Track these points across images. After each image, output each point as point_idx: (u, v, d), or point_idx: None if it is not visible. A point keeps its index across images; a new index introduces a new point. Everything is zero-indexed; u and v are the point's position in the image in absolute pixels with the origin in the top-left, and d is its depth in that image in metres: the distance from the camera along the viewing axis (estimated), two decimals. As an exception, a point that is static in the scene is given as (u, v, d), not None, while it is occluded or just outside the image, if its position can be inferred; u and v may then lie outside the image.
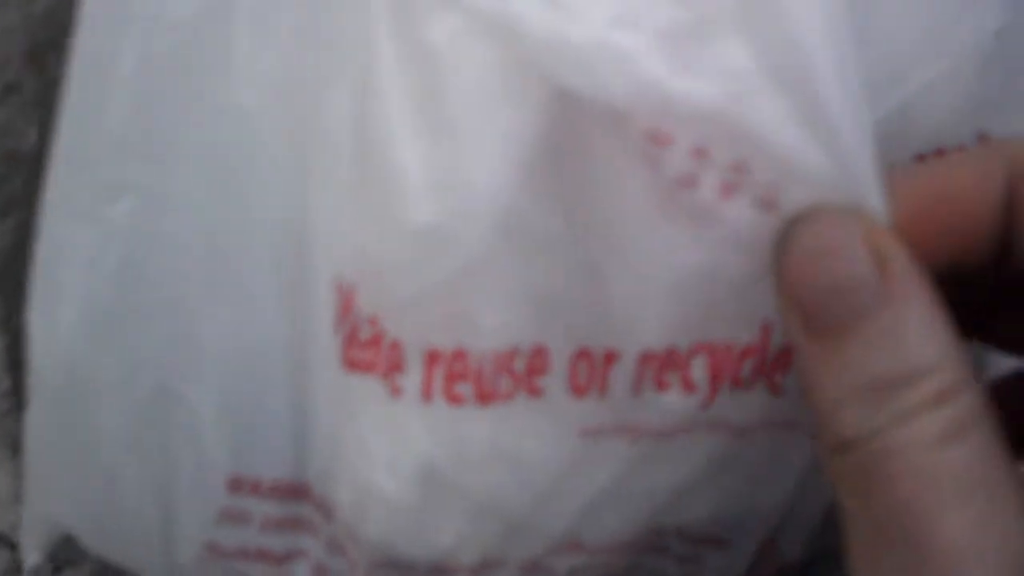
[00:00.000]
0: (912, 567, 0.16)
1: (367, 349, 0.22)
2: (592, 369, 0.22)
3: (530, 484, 0.23)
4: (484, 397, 0.22)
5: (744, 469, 0.23)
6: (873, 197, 0.19)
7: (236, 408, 0.24)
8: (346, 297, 0.22)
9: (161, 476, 0.25)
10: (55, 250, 0.24)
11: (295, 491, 0.25)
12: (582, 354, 0.21)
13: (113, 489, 0.26)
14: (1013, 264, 0.19)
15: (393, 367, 0.22)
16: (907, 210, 0.19)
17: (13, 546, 0.35)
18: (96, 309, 0.24)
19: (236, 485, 0.25)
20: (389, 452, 0.22)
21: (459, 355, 0.21)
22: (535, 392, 0.22)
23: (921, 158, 0.23)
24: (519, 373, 0.21)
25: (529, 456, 0.22)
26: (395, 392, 0.22)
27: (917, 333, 0.16)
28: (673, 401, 0.21)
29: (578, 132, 0.19)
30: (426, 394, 0.22)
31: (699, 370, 0.21)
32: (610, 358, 0.21)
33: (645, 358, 0.21)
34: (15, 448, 0.33)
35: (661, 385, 0.21)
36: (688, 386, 0.21)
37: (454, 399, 0.22)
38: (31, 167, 0.30)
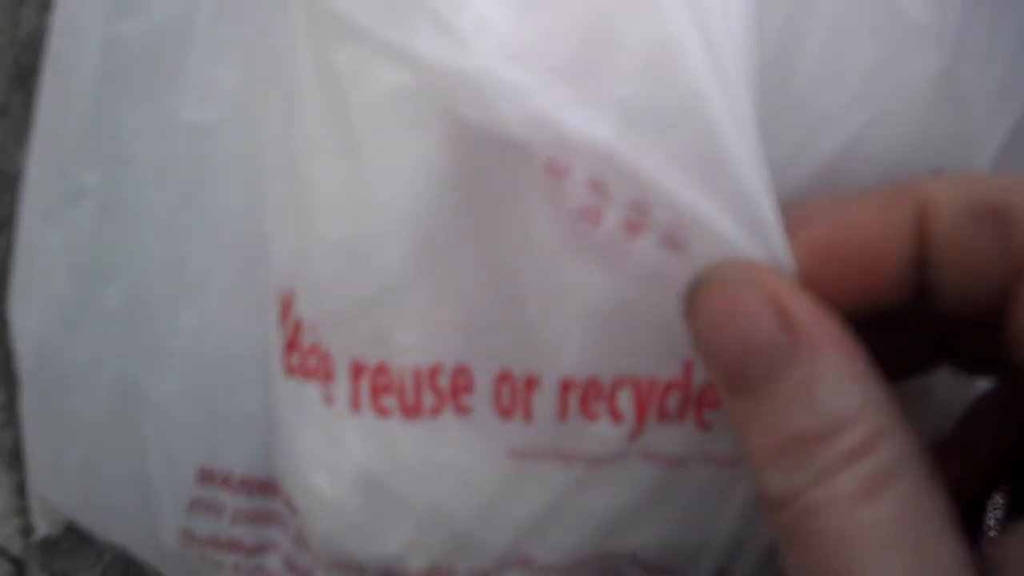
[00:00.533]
0: None
1: (307, 356, 0.23)
2: (515, 392, 0.22)
3: (469, 498, 0.23)
4: (409, 411, 0.22)
5: (686, 499, 0.23)
6: (776, 246, 0.19)
7: (205, 404, 0.26)
8: (285, 303, 0.23)
9: (134, 463, 0.26)
10: (28, 247, 0.25)
11: (265, 486, 0.26)
12: (504, 376, 0.22)
13: (93, 473, 0.27)
14: (935, 300, 0.18)
15: (326, 375, 0.22)
16: (813, 256, 0.18)
17: (14, 560, 0.35)
18: (62, 304, 0.25)
19: (206, 477, 0.26)
20: (328, 457, 0.23)
21: (382, 369, 0.22)
22: (463, 410, 0.22)
23: None
24: (444, 390, 0.22)
25: (463, 471, 0.23)
26: (329, 400, 0.22)
27: (830, 387, 0.16)
28: (601, 430, 0.22)
29: (485, 161, 0.20)
30: (355, 404, 0.22)
31: (625, 401, 0.21)
32: (531, 383, 0.22)
33: (566, 385, 0.22)
34: (11, 462, 0.33)
35: (588, 414, 0.22)
36: (615, 416, 0.22)
37: (381, 411, 0.22)
38: (20, 187, 0.31)
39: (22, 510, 0.34)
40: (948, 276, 0.18)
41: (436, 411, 0.22)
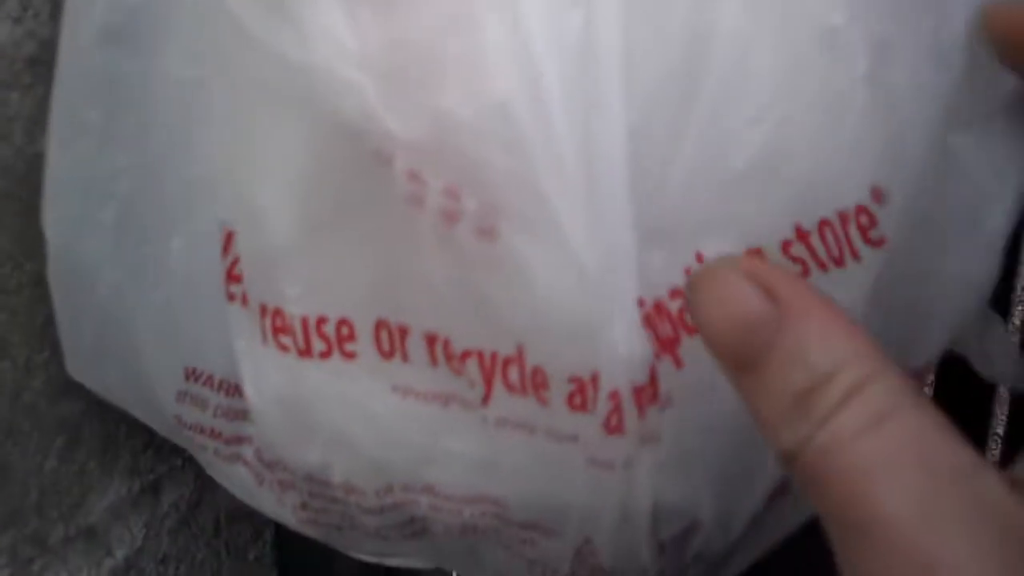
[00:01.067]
0: (872, 558, 0.16)
1: (238, 284, 0.27)
2: (391, 337, 0.25)
3: (364, 426, 0.26)
4: (302, 353, 0.26)
5: (538, 463, 0.25)
6: (572, 251, 0.22)
7: (190, 316, 0.29)
8: (227, 238, 0.26)
9: (133, 356, 0.30)
10: (48, 171, 0.29)
11: (239, 389, 0.29)
12: (381, 324, 0.25)
13: (102, 358, 0.31)
14: None
15: (249, 309, 0.26)
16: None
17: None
18: (70, 217, 0.29)
19: (191, 375, 0.29)
20: (254, 375, 0.27)
21: (278, 312, 0.26)
22: (348, 355, 0.26)
23: (824, 223, 0.24)
24: (330, 338, 0.26)
25: (356, 403, 0.26)
26: (251, 329, 0.26)
27: (818, 342, 0.18)
28: (462, 387, 0.25)
29: (346, 147, 0.23)
30: (263, 338, 0.26)
31: (473, 369, 0.24)
32: (403, 331, 0.25)
33: (430, 338, 0.25)
34: (-19, 480, 0.33)
35: (454, 369, 0.25)
36: (470, 382, 0.25)
37: (281, 348, 0.26)
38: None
39: (-8, 529, 0.33)
40: None
41: (325, 355, 0.26)
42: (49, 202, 0.29)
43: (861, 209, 0.23)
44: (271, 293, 0.26)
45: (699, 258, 0.24)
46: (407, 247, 0.24)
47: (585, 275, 0.22)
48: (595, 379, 0.23)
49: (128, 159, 0.28)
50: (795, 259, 0.24)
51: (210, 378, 0.30)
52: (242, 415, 0.30)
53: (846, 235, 0.24)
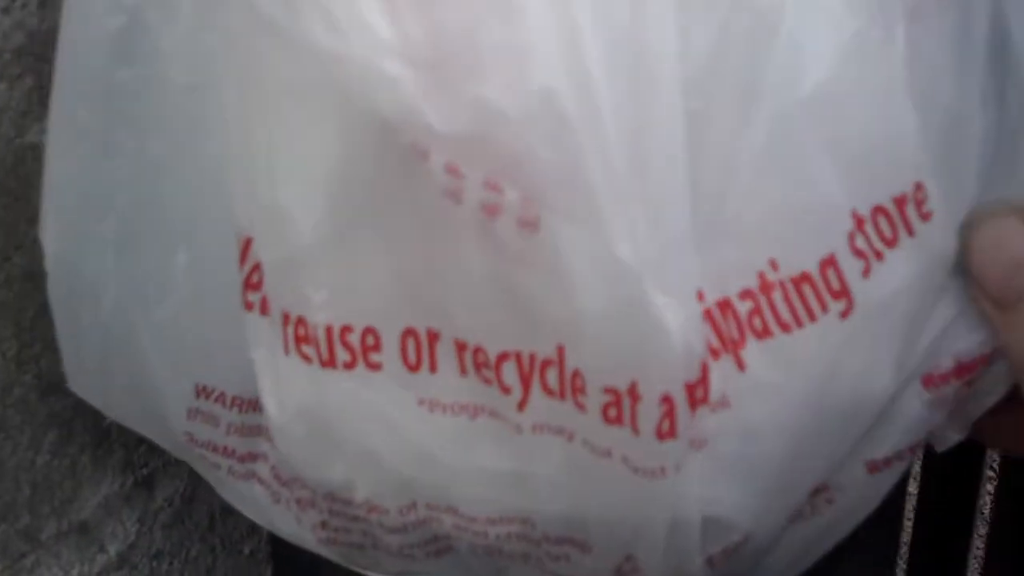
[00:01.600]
0: None
1: (261, 296, 0.25)
2: (419, 346, 0.24)
3: (391, 442, 0.25)
4: (325, 363, 0.24)
5: (575, 475, 0.24)
6: (613, 238, 0.21)
7: (199, 331, 0.27)
8: (244, 245, 0.25)
9: (139, 371, 0.29)
10: (48, 180, 0.28)
11: (255, 405, 0.28)
12: (409, 332, 0.24)
13: (107, 375, 0.30)
14: None
15: (270, 317, 0.25)
16: None
17: (-27, 574, 0.34)
18: (69, 230, 0.28)
19: (203, 392, 0.28)
20: (276, 388, 0.26)
21: (301, 321, 0.24)
22: (373, 366, 0.24)
23: (877, 209, 0.23)
24: (355, 348, 0.24)
25: (381, 418, 0.25)
26: (273, 339, 0.25)
27: None
28: (494, 395, 0.24)
29: (381, 145, 0.22)
30: (285, 348, 0.25)
31: (510, 374, 0.23)
32: (433, 336, 0.24)
33: (460, 345, 0.24)
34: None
35: (483, 378, 0.24)
36: (503, 388, 0.24)
37: (304, 358, 0.25)
38: None
39: (-17, 525, 0.33)
40: None
41: (349, 366, 0.24)
42: (48, 215, 0.28)
43: (915, 184, 0.24)
44: (294, 300, 0.24)
45: (773, 264, 0.23)
46: (442, 244, 0.23)
47: (629, 268, 0.21)
48: (640, 380, 0.22)
49: (129, 169, 0.27)
50: (859, 252, 0.23)
51: (222, 395, 0.28)
52: (256, 431, 0.29)
53: (902, 216, 0.24)
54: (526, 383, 0.23)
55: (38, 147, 0.31)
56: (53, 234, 0.28)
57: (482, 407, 0.24)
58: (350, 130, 0.22)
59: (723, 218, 0.23)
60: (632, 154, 0.21)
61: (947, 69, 0.23)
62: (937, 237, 0.24)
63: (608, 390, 0.22)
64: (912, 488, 0.51)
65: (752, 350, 0.23)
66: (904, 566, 0.52)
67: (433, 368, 0.24)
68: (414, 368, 0.24)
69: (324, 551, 0.30)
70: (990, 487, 0.49)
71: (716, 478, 0.24)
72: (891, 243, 0.23)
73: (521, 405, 0.24)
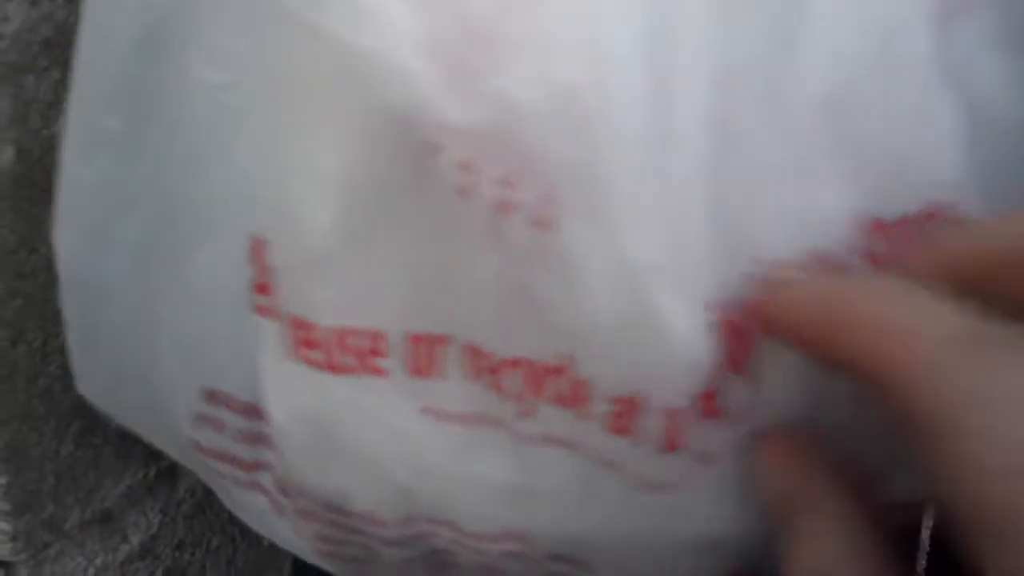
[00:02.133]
0: None
1: (266, 296, 0.25)
2: (427, 351, 0.24)
3: (392, 452, 0.25)
4: (331, 368, 0.24)
5: (574, 486, 0.24)
6: (628, 246, 0.21)
7: (212, 334, 0.27)
8: (256, 246, 0.25)
9: (150, 377, 0.28)
10: (64, 182, 0.28)
11: (260, 412, 0.27)
12: (416, 338, 0.24)
13: (117, 378, 0.30)
14: None
15: (276, 316, 0.25)
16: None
17: (2, 563, 0.35)
18: (89, 231, 0.28)
19: (211, 397, 0.28)
20: (278, 391, 0.25)
21: (306, 325, 0.24)
22: (378, 372, 0.24)
23: (903, 221, 0.22)
24: (359, 353, 0.24)
25: (384, 426, 0.24)
26: (280, 343, 0.25)
27: None
28: (495, 401, 0.23)
29: (394, 142, 0.22)
30: (292, 352, 0.24)
31: (514, 380, 0.23)
32: (441, 340, 0.24)
33: (471, 351, 0.23)
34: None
35: (493, 385, 0.23)
36: (509, 395, 0.23)
37: (309, 363, 0.24)
38: (8, 185, 0.30)
39: (9, 514, 0.33)
40: None
41: (354, 371, 0.24)
42: (63, 217, 0.28)
43: (937, 205, 0.22)
44: (302, 304, 0.24)
45: (759, 262, 0.22)
46: (453, 245, 0.22)
47: (642, 273, 0.21)
48: (646, 390, 0.22)
49: (152, 170, 0.27)
50: (875, 259, 0.22)
51: (230, 400, 0.28)
52: (262, 440, 0.28)
53: (927, 232, 0.22)
54: (532, 391, 0.23)
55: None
56: (68, 236, 0.28)
57: (486, 416, 0.24)
58: (366, 129, 0.22)
59: (745, 229, 0.22)
60: (653, 156, 0.21)
61: (993, 74, 0.23)
62: None
63: (615, 400, 0.22)
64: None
65: (771, 363, 0.22)
66: None
67: (438, 375, 0.24)
68: (419, 374, 0.24)
69: (324, 564, 0.30)
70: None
71: (725, 495, 0.23)
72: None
73: (526, 414, 0.23)
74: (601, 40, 0.20)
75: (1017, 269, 0.19)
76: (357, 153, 0.22)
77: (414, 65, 0.21)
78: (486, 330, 0.23)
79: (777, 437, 0.22)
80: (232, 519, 0.44)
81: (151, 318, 0.28)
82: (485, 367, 0.23)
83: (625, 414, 0.22)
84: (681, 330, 0.21)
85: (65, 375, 0.34)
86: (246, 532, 0.45)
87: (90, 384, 0.30)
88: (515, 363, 0.23)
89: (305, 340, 0.24)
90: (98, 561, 0.37)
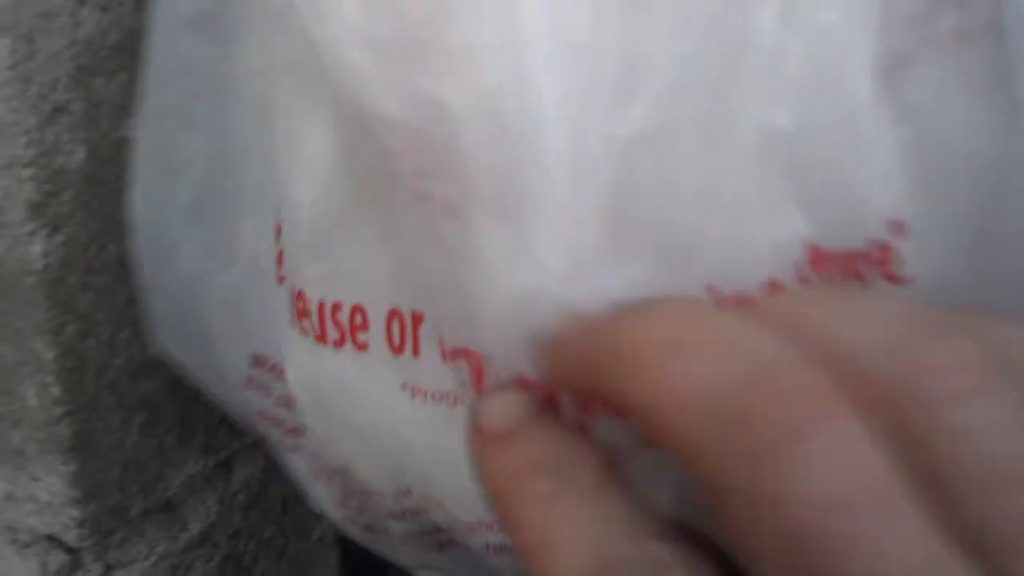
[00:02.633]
0: None
1: (283, 270, 0.27)
2: (403, 328, 0.25)
3: (380, 425, 0.26)
4: (319, 338, 0.26)
5: None
6: (534, 245, 0.21)
7: (259, 301, 0.29)
8: (278, 227, 0.27)
9: (204, 339, 0.30)
10: (146, 157, 0.30)
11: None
12: (394, 313, 0.25)
13: (180, 338, 0.32)
14: None
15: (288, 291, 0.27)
16: None
17: (69, 549, 0.36)
18: (151, 198, 0.30)
19: (258, 362, 0.30)
20: (291, 357, 0.27)
21: (301, 295, 0.26)
22: (360, 346, 0.25)
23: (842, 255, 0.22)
24: (344, 326, 0.25)
25: (368, 399, 0.25)
26: (289, 312, 0.27)
27: None
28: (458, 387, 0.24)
29: (367, 149, 0.23)
30: (292, 321, 0.26)
31: (463, 370, 0.23)
32: (417, 318, 0.25)
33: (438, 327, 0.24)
34: (67, 454, 0.34)
35: (456, 369, 0.23)
36: (464, 381, 0.23)
37: (302, 331, 0.26)
38: (80, 184, 0.32)
39: (78, 501, 0.35)
40: None
41: (339, 343, 0.25)
42: (133, 180, 0.30)
43: (879, 245, 0.22)
44: (299, 277, 0.26)
45: (709, 290, 0.22)
46: (407, 228, 0.23)
47: (545, 274, 0.21)
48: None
49: (205, 143, 0.29)
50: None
51: (274, 366, 0.29)
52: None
53: (864, 272, 0.22)
54: (477, 380, 0.23)
55: (132, 141, 0.33)
56: (137, 198, 0.30)
57: (460, 395, 0.24)
58: (338, 117, 0.23)
59: (661, 241, 0.22)
60: (563, 168, 0.21)
61: (947, 115, 0.22)
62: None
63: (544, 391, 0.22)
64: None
65: None
66: None
67: (416, 352, 0.25)
68: (398, 350, 0.25)
69: (348, 529, 0.31)
70: None
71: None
72: None
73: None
74: (525, 51, 0.21)
75: (595, 369, 0.19)
76: (336, 137, 0.24)
77: (355, 58, 0.22)
78: (434, 313, 0.24)
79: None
80: (285, 511, 0.45)
81: (204, 283, 0.30)
82: (445, 350, 0.23)
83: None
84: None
85: (131, 367, 0.35)
86: (296, 524, 0.46)
87: (159, 341, 0.32)
88: (460, 352, 0.23)
89: (301, 311, 0.26)
90: (159, 548, 0.38)
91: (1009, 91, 0.23)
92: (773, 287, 0.22)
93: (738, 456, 0.17)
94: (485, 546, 0.26)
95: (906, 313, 0.19)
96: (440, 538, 0.28)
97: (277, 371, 0.29)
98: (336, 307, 0.25)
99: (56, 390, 0.33)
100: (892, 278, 0.22)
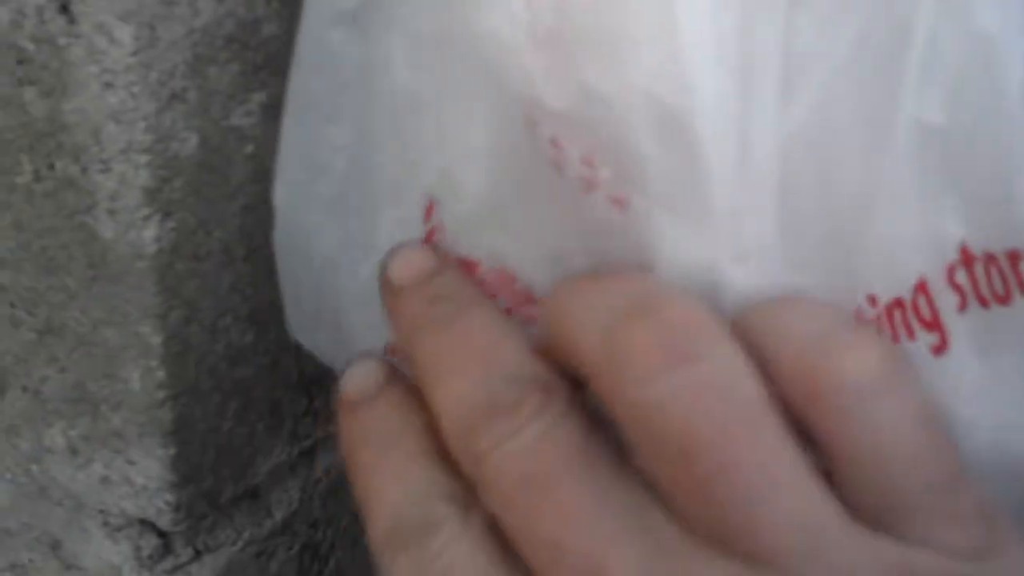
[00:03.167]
0: None
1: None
2: None
3: None
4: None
5: None
6: (713, 237, 0.22)
7: None
8: (429, 207, 0.28)
9: (340, 327, 0.31)
10: (290, 149, 0.31)
11: None
12: None
13: (313, 329, 0.33)
14: None
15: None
16: None
17: (161, 533, 0.37)
18: (293, 189, 0.31)
19: (393, 352, 0.30)
20: None
21: (474, 266, 0.26)
22: (528, 321, 0.26)
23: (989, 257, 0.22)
24: (514, 298, 0.26)
25: None
26: None
27: None
28: None
29: (525, 137, 0.24)
30: None
31: None
32: None
33: None
34: (167, 438, 0.34)
35: None
36: None
37: None
38: (192, 171, 0.32)
39: (174, 485, 0.35)
40: None
41: (511, 312, 0.26)
42: (278, 175, 0.31)
43: None
44: (470, 248, 0.27)
45: (872, 300, 0.23)
46: (556, 212, 0.24)
47: (710, 266, 0.22)
48: None
49: (348, 137, 0.29)
50: (957, 287, 0.22)
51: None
52: None
53: (1015, 273, 0.21)
54: None
55: (239, 129, 0.33)
56: (281, 188, 0.31)
57: None
58: (503, 107, 0.24)
59: (823, 239, 0.23)
60: (722, 155, 0.22)
61: None
62: None
63: None
64: None
65: None
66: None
67: None
68: None
69: None
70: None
71: None
72: (1003, 299, 0.21)
73: None
74: (682, 42, 0.21)
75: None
76: (496, 127, 0.25)
77: (521, 45, 0.23)
78: None
79: None
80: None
81: (342, 273, 0.30)
82: None
83: None
84: None
85: (230, 354, 0.36)
86: (371, 514, 0.46)
87: (296, 325, 0.33)
88: None
89: (478, 282, 0.27)
90: (246, 535, 0.39)
91: None
92: (920, 289, 0.22)
93: (622, 378, 0.20)
94: None
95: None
96: None
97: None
98: (512, 279, 0.26)
99: (161, 374, 0.34)
100: None
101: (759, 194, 0.22)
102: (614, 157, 0.22)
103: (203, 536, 0.38)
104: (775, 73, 0.22)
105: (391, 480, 0.24)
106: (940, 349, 0.22)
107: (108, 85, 0.30)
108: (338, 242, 0.30)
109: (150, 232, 0.32)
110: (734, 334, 0.21)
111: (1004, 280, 0.21)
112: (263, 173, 0.33)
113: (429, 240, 0.28)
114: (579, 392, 0.23)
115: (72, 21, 0.30)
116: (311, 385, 0.40)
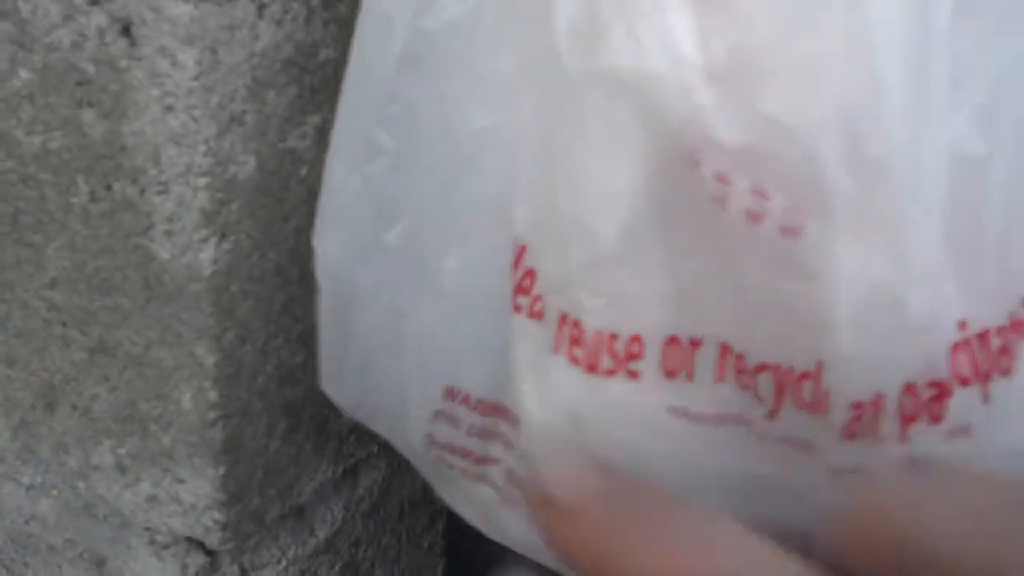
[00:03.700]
0: None
1: (532, 300, 0.27)
2: (681, 352, 0.25)
3: (635, 450, 0.26)
4: (591, 368, 0.26)
5: (801, 486, 0.25)
6: (902, 263, 0.21)
7: (457, 333, 0.29)
8: (518, 253, 0.27)
9: (395, 374, 0.30)
10: (332, 192, 0.30)
11: (496, 409, 0.29)
12: (672, 340, 0.25)
13: (365, 378, 0.32)
14: None
15: (542, 319, 0.27)
16: None
17: (208, 551, 0.37)
18: (355, 239, 0.30)
19: (450, 394, 0.30)
20: (538, 386, 0.27)
21: (576, 324, 0.26)
22: (632, 375, 0.25)
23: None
24: (619, 356, 0.25)
25: (635, 424, 0.26)
26: (542, 339, 0.26)
27: None
28: (748, 402, 0.25)
29: (671, 158, 0.23)
30: (556, 347, 0.26)
31: (766, 384, 0.24)
32: (695, 343, 0.25)
33: (724, 348, 0.25)
34: (217, 457, 0.34)
35: (741, 384, 0.25)
36: (758, 397, 0.24)
37: (572, 359, 0.26)
38: (248, 193, 0.32)
39: (223, 504, 0.35)
40: None
41: (611, 373, 0.25)
42: (328, 224, 0.30)
43: None
44: (573, 305, 0.26)
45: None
46: (711, 251, 0.24)
47: (891, 288, 0.22)
48: (880, 401, 0.23)
49: (419, 182, 0.29)
50: None
51: (467, 397, 0.30)
52: (493, 435, 0.30)
53: None
54: (779, 394, 0.24)
55: (296, 151, 0.33)
56: (334, 244, 0.30)
57: (729, 415, 0.25)
58: (647, 146, 0.24)
59: (997, 257, 0.23)
60: (901, 179, 0.22)
61: None
62: None
63: (855, 406, 0.23)
64: None
65: (998, 385, 0.24)
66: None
67: (690, 376, 0.25)
68: (671, 375, 0.25)
69: (549, 557, 0.30)
70: None
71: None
72: None
73: (771, 415, 0.24)
74: (871, 66, 0.22)
75: None
76: (640, 170, 0.24)
77: (692, 83, 0.23)
78: (740, 333, 0.24)
79: None
80: (401, 520, 0.45)
81: (404, 319, 0.30)
82: (737, 369, 0.25)
83: (860, 419, 0.23)
84: (924, 345, 0.23)
85: (280, 374, 0.36)
86: (410, 533, 0.46)
87: (334, 381, 0.32)
88: (765, 367, 0.24)
89: (573, 338, 0.26)
90: (290, 553, 0.39)
91: None
92: None
93: None
94: None
95: None
96: None
97: (470, 402, 0.30)
98: (614, 337, 0.25)
99: (213, 394, 0.34)
100: None
101: (929, 212, 0.22)
102: (791, 185, 0.22)
103: (248, 555, 0.38)
104: (944, 87, 0.22)
105: None
106: None
107: (169, 108, 0.30)
108: (404, 291, 0.30)
109: (207, 254, 0.32)
110: None
111: None
112: (315, 196, 0.33)
113: (520, 290, 0.27)
114: None
115: (134, 44, 0.30)
116: (355, 404, 0.40)
